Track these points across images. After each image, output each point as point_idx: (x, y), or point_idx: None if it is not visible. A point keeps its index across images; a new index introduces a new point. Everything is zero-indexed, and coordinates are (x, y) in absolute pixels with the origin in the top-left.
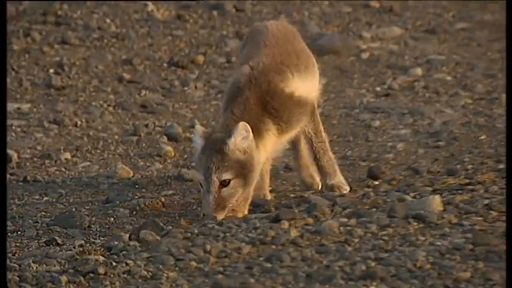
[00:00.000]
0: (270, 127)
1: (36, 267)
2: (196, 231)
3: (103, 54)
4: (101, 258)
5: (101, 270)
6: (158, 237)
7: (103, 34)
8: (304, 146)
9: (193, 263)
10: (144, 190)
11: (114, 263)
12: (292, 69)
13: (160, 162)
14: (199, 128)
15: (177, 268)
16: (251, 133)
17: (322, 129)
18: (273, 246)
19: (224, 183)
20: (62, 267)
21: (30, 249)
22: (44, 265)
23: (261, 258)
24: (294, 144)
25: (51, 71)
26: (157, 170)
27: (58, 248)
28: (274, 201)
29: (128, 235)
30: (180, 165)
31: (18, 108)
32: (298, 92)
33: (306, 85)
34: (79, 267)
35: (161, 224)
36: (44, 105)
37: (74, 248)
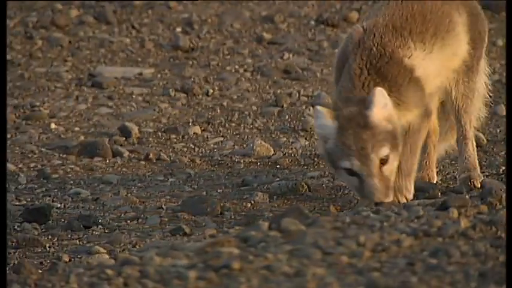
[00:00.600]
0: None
1: (160, 261)
2: (348, 219)
3: (239, 10)
4: (236, 250)
5: (236, 264)
6: (303, 227)
7: None
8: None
9: (345, 258)
10: (286, 171)
11: (251, 257)
12: (414, 37)
13: (306, 138)
14: (321, 109)
15: (325, 263)
16: (389, 99)
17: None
18: (440, 239)
19: (384, 161)
20: (190, 260)
21: (154, 239)
22: (170, 258)
23: (424, 253)
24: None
25: (178, 29)
26: (302, 148)
27: (186, 239)
28: (441, 184)
29: (267, 224)
30: None
31: (140, 74)
32: (420, 71)
33: (429, 63)
34: (210, 261)
35: (306, 211)
36: (169, 70)
37: (205, 238)
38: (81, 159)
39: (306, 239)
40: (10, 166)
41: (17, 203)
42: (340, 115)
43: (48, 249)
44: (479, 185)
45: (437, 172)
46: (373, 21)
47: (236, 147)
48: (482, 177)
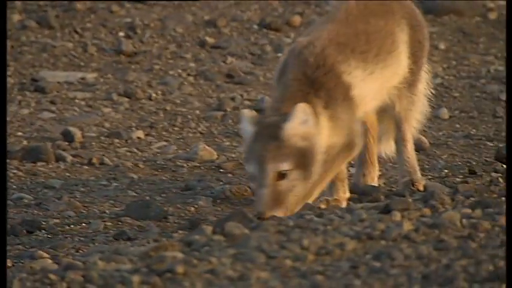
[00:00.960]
0: (320, 111)
1: (104, 265)
2: (291, 223)
3: (182, 14)
4: (180, 255)
5: (180, 269)
6: (247, 231)
7: None
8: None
9: (288, 261)
10: (230, 175)
11: (195, 261)
12: (356, 56)
13: None
14: (247, 112)
15: (269, 267)
16: (312, 116)
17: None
18: (383, 242)
19: (282, 176)
20: (134, 265)
21: (97, 244)
22: (113, 263)
23: (368, 256)
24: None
25: (121, 34)
26: None
27: (129, 243)
28: (383, 188)
29: (211, 228)
30: None
31: (83, 78)
32: (356, 91)
33: (369, 84)
34: (154, 265)
35: (250, 215)
36: (112, 74)
37: (148, 243)
38: (24, 164)
39: (249, 242)
40: None
41: None
42: (260, 122)
43: None
44: (422, 188)
45: (379, 175)
46: (317, 34)
47: (180, 151)
48: (424, 180)
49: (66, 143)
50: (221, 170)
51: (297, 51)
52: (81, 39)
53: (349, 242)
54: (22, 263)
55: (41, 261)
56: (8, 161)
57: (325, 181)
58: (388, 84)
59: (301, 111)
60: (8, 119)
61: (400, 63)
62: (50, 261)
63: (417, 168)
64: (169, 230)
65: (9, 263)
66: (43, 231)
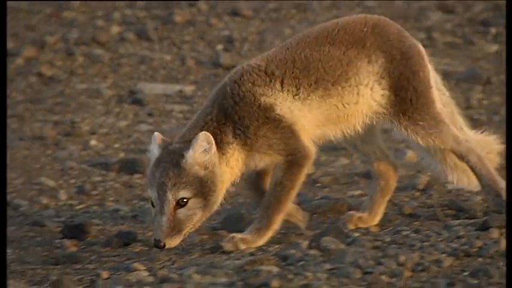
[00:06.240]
0: (230, 140)
1: (200, 278)
2: (388, 239)
3: (280, 28)
4: (275, 269)
5: (275, 283)
6: (343, 246)
7: (280, 4)
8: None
9: (384, 277)
10: (326, 189)
11: (290, 276)
12: (287, 81)
13: (346, 157)
14: (158, 135)
15: (364, 283)
16: (214, 145)
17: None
18: (480, 259)
19: (181, 203)
20: (230, 278)
21: (193, 257)
22: (209, 276)
23: (465, 273)
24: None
25: (219, 47)
26: (342, 166)
27: (225, 257)
28: (481, 204)
29: (306, 242)
30: None
31: (180, 91)
32: (283, 111)
33: (303, 110)
34: (249, 279)
35: (346, 230)
36: (210, 87)
37: (244, 256)
38: (120, 176)
39: (345, 258)
40: (50, 182)
41: (57, 219)
42: (166, 147)
43: (87, 265)
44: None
45: (477, 192)
46: (252, 61)
47: None
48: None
49: None
50: (318, 185)
51: (225, 79)
52: (180, 51)
53: (446, 259)
54: (118, 274)
55: (136, 274)
56: (105, 172)
57: (283, 202)
58: (341, 113)
59: (203, 139)
60: (105, 130)
61: (358, 93)
62: (145, 273)
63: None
64: (265, 244)
65: (105, 274)
66: (139, 243)
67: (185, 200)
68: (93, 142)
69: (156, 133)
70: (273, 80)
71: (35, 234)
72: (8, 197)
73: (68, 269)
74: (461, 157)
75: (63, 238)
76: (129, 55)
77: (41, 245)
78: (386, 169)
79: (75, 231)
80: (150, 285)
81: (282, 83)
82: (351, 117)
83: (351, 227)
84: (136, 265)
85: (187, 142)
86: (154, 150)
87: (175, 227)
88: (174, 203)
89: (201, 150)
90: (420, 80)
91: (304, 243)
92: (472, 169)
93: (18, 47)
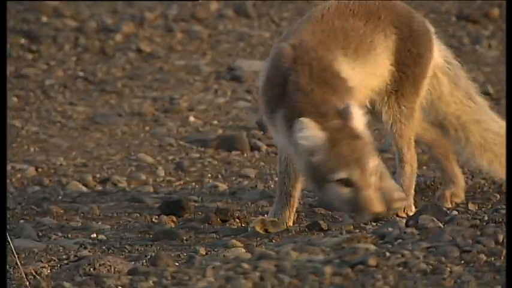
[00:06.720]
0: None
1: (297, 256)
2: (486, 217)
3: None
4: (372, 247)
5: (372, 261)
6: (441, 224)
7: None
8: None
9: (482, 256)
10: (424, 167)
11: (387, 254)
12: (340, 51)
13: None
14: (308, 121)
15: (462, 261)
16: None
17: None
18: None
19: (373, 172)
20: (327, 256)
21: (290, 234)
22: (306, 253)
23: None
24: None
25: None
26: None
27: (322, 234)
28: None
29: (404, 221)
30: None
31: None
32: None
33: (356, 77)
34: (346, 257)
35: (444, 208)
36: None
37: (341, 234)
38: (219, 153)
39: (443, 236)
40: (148, 158)
41: (155, 196)
42: (327, 127)
43: (185, 242)
44: (411, 214)
45: None
46: (299, 38)
47: None
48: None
49: (261, 133)
50: None
51: (290, 57)
52: (278, 28)
53: None
54: (216, 251)
55: (234, 250)
56: (203, 149)
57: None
58: (367, 81)
59: (355, 106)
60: (203, 107)
61: (378, 64)
62: (243, 250)
63: (411, 192)
64: (363, 221)
65: (203, 251)
66: (237, 220)
67: (375, 167)
68: (191, 119)
69: (302, 119)
70: (335, 53)
71: (133, 211)
72: (107, 173)
73: (165, 245)
74: (400, 160)
75: (161, 214)
76: (227, 32)
77: (139, 221)
78: (436, 135)
79: (173, 207)
80: (247, 262)
81: (342, 55)
82: (372, 91)
83: (449, 205)
84: (234, 242)
85: (336, 114)
86: (318, 134)
87: (378, 195)
88: (372, 172)
89: (359, 116)
90: (422, 64)
91: (402, 222)
92: (399, 175)
93: (117, 23)
